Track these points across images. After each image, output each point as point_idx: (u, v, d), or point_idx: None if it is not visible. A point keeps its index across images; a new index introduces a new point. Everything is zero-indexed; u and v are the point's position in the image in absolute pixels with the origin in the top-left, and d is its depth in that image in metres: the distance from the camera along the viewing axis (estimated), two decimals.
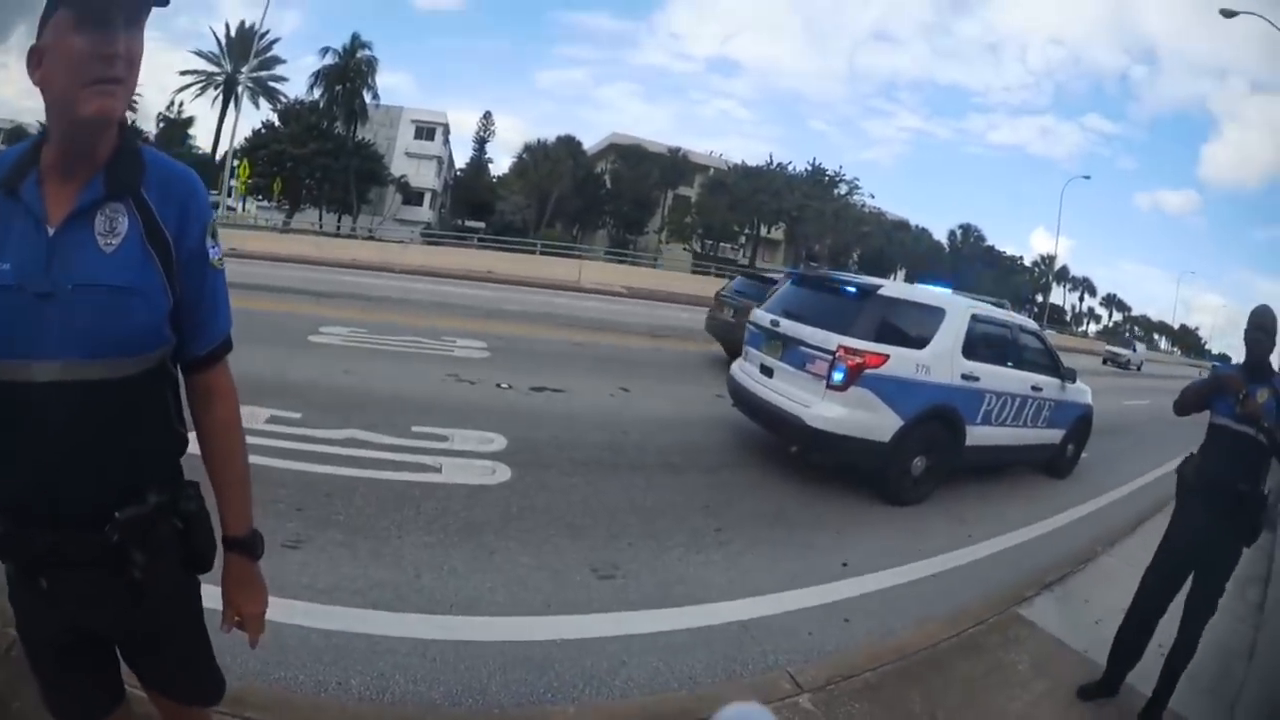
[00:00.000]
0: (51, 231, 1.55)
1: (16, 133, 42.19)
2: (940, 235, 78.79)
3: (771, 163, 66.12)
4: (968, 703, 4.17)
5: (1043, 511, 8.18)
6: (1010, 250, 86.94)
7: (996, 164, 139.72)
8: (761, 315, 8.69)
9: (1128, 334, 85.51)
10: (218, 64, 59.05)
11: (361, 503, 5.64)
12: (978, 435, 8.15)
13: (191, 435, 1.86)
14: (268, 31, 54.25)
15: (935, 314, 7.91)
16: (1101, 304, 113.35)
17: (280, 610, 3.98)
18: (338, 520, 5.31)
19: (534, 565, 5.03)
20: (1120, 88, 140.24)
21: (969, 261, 72.43)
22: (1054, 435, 9.60)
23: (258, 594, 1.97)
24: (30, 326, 1.52)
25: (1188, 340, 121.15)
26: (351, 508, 5.54)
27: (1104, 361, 46.99)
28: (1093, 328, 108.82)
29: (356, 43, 58.31)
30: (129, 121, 1.74)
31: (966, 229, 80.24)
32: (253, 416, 6.98)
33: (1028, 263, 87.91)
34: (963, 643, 4.71)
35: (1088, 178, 61.78)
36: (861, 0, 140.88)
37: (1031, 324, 9.79)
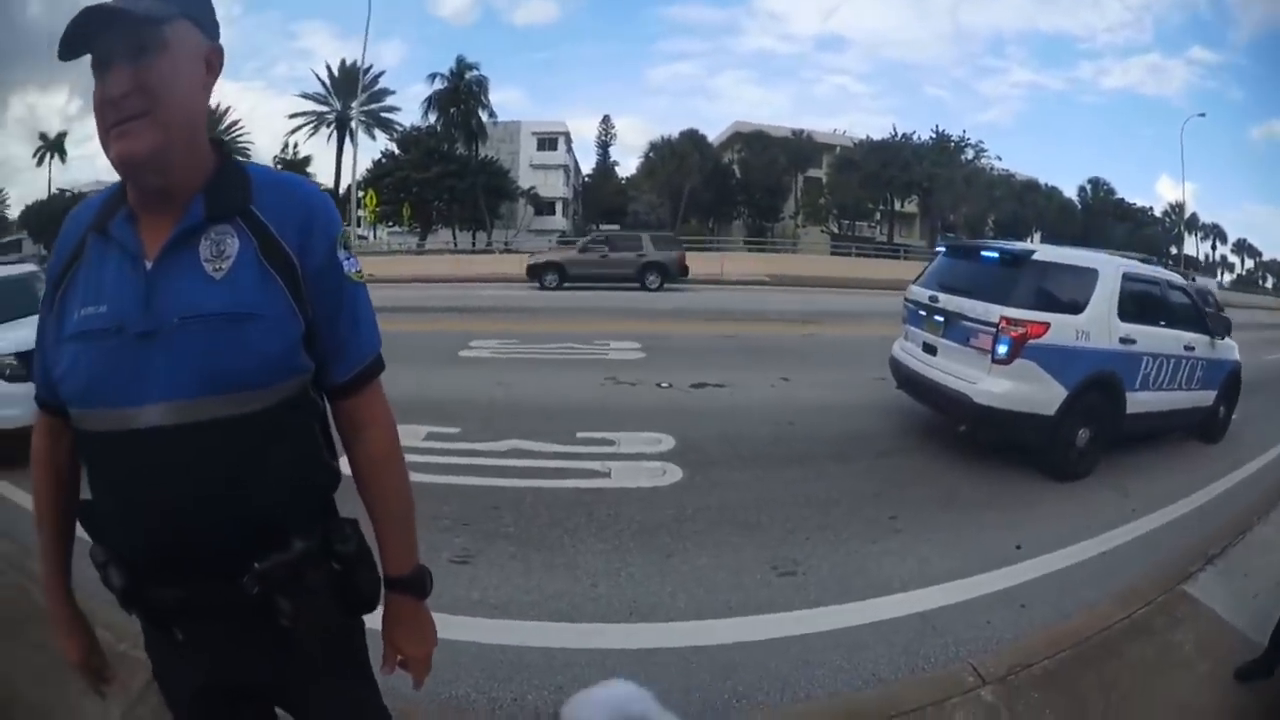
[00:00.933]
0: (149, 265, 1.44)
1: None
2: (1069, 191, 75.88)
3: (896, 134, 64.68)
4: (1140, 688, 3.94)
5: (1200, 479, 7.63)
6: (1139, 201, 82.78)
7: (1113, 110, 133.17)
8: (919, 292, 8.39)
9: (1260, 281, 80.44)
10: (326, 103, 61.36)
11: (530, 513, 5.64)
12: (1137, 401, 7.71)
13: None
14: (370, 66, 56.19)
15: (1089, 276, 7.51)
16: (1233, 251, 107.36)
17: (450, 626, 3.96)
18: (507, 532, 5.32)
19: (713, 565, 4.93)
20: (1215, 13, 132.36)
21: (1100, 217, 69.66)
22: (1207, 397, 8.99)
23: (425, 635, 1.78)
24: (134, 370, 1.41)
25: None
26: (521, 519, 5.54)
27: None
28: (1227, 277, 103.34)
29: (463, 65, 59.79)
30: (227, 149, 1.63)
31: (1096, 183, 76.62)
32: (410, 434, 7.10)
33: (1157, 213, 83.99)
34: (1134, 625, 4.44)
35: (1203, 115, 58.03)
36: None
37: (1179, 278, 9.24)
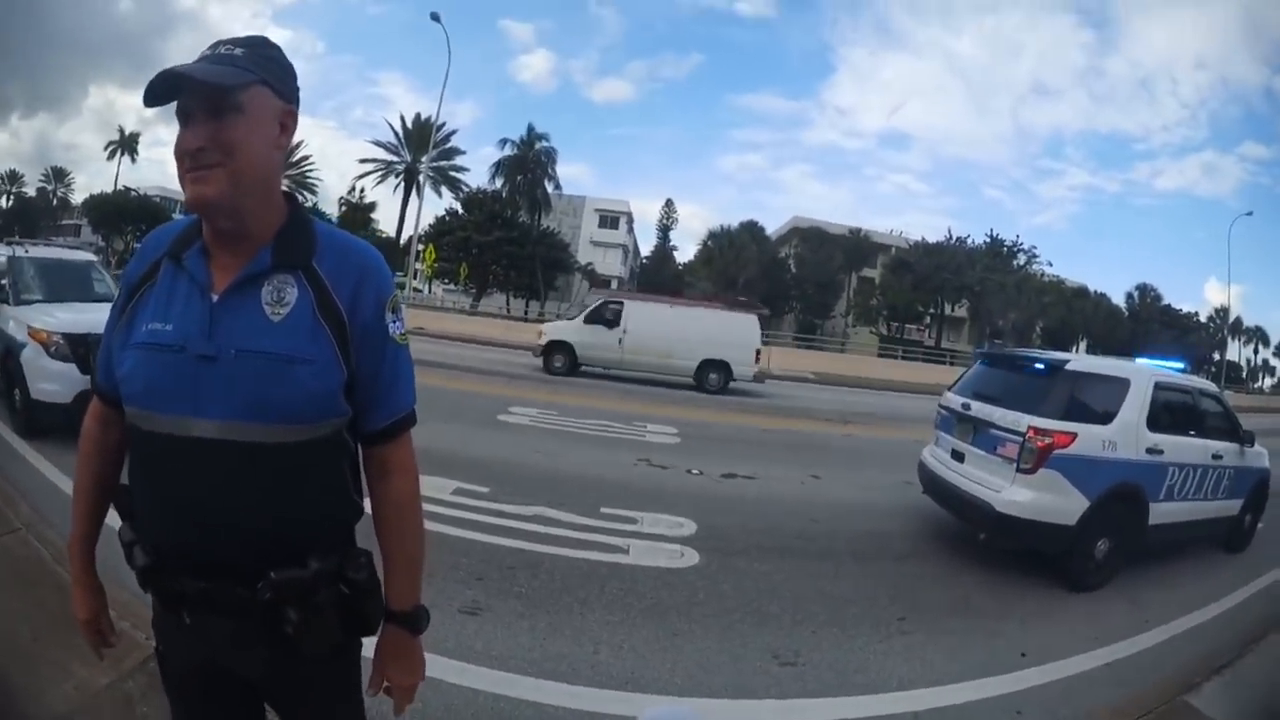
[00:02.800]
0: (215, 299, 1.63)
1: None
2: (1117, 297, 75.40)
3: (950, 237, 65.05)
4: None
5: (1218, 588, 7.55)
6: (1186, 306, 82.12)
7: (1165, 214, 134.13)
8: (953, 399, 8.45)
9: None
10: (397, 153, 62.95)
11: (545, 578, 5.74)
12: (1161, 512, 7.64)
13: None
14: (444, 123, 57.51)
15: (1120, 385, 7.56)
16: (1275, 354, 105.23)
17: (450, 670, 4.11)
18: (519, 592, 5.44)
19: (716, 649, 4.98)
20: (1269, 104, 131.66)
21: (1147, 324, 68.97)
22: (1233, 506, 8.88)
23: (414, 667, 1.93)
24: (191, 385, 1.60)
25: None
26: (535, 581, 5.65)
27: None
28: (1268, 381, 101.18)
29: (533, 134, 61.09)
30: (303, 200, 1.81)
31: (1144, 289, 76.29)
32: (440, 487, 7.31)
33: (1202, 318, 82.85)
34: None
35: (1250, 214, 57.45)
36: (1015, 52, 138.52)
37: (1212, 386, 9.21)
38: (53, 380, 7.46)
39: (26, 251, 9.93)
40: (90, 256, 11.62)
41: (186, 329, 1.62)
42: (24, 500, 5.64)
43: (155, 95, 1.57)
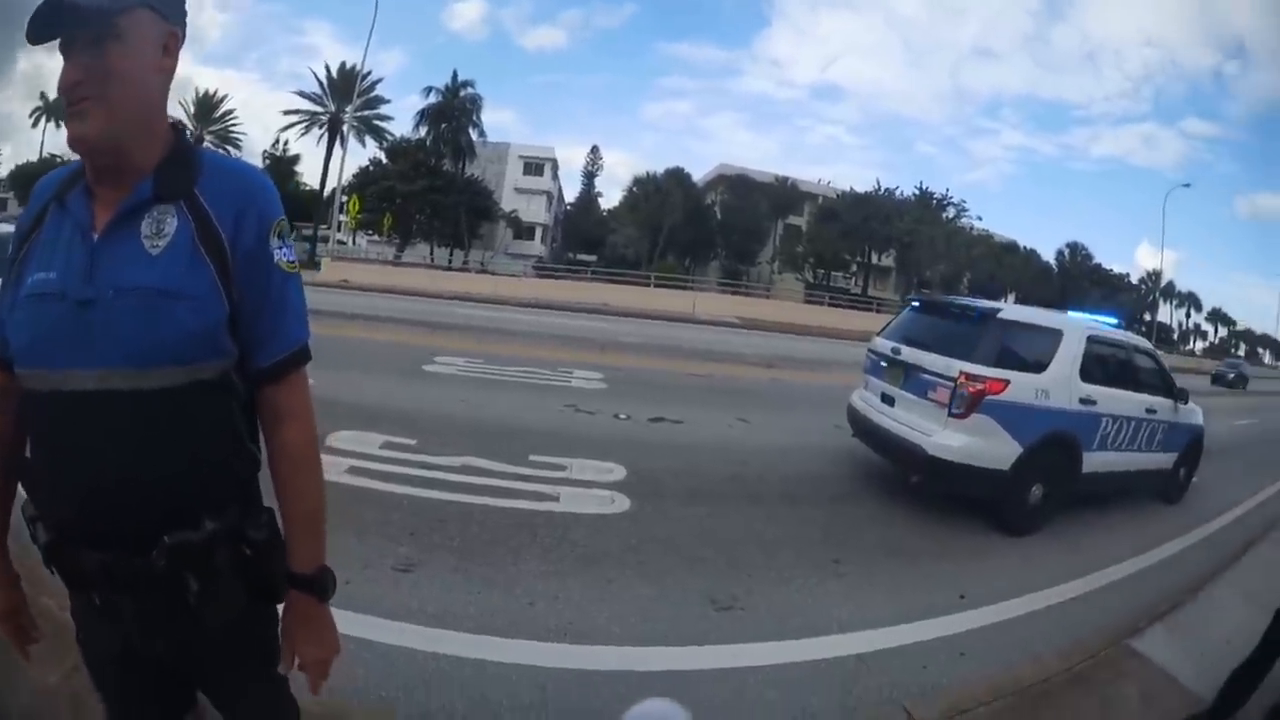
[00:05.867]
0: (96, 238, 1.51)
1: None
2: (1048, 255, 77.43)
3: (879, 188, 65.86)
4: None
5: (1154, 538, 7.77)
6: (1117, 267, 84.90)
7: (1100, 178, 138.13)
8: (882, 344, 8.49)
9: (1232, 350, 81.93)
10: (321, 104, 60.95)
11: (476, 529, 5.63)
12: (1094, 461, 7.83)
13: None
14: (369, 72, 56.38)
15: (1053, 336, 7.68)
16: (1207, 319, 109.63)
17: (388, 631, 3.99)
18: (451, 546, 5.31)
19: (652, 596, 4.92)
20: (1215, 86, 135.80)
21: (1077, 281, 70.72)
22: (1167, 459, 9.19)
23: (323, 639, 1.78)
24: (73, 335, 1.47)
25: None
26: (466, 534, 5.53)
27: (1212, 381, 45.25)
28: (1199, 345, 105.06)
29: (459, 81, 60.11)
30: (187, 132, 1.68)
31: (1074, 248, 78.82)
32: (367, 442, 7.12)
33: (1134, 279, 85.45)
34: (1075, 677, 4.52)
35: (1188, 185, 59.78)
36: (961, 15, 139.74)
37: (1145, 343, 9.43)
38: None
39: None
40: (11, 228, 11.20)
41: (68, 274, 1.50)
42: None
43: (39, 29, 1.43)
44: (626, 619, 4.56)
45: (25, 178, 63.95)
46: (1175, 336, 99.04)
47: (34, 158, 69.79)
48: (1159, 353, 9.64)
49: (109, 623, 1.64)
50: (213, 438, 1.60)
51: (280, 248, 1.65)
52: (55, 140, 72.22)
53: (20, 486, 1.72)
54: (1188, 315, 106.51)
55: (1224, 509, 9.60)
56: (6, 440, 1.69)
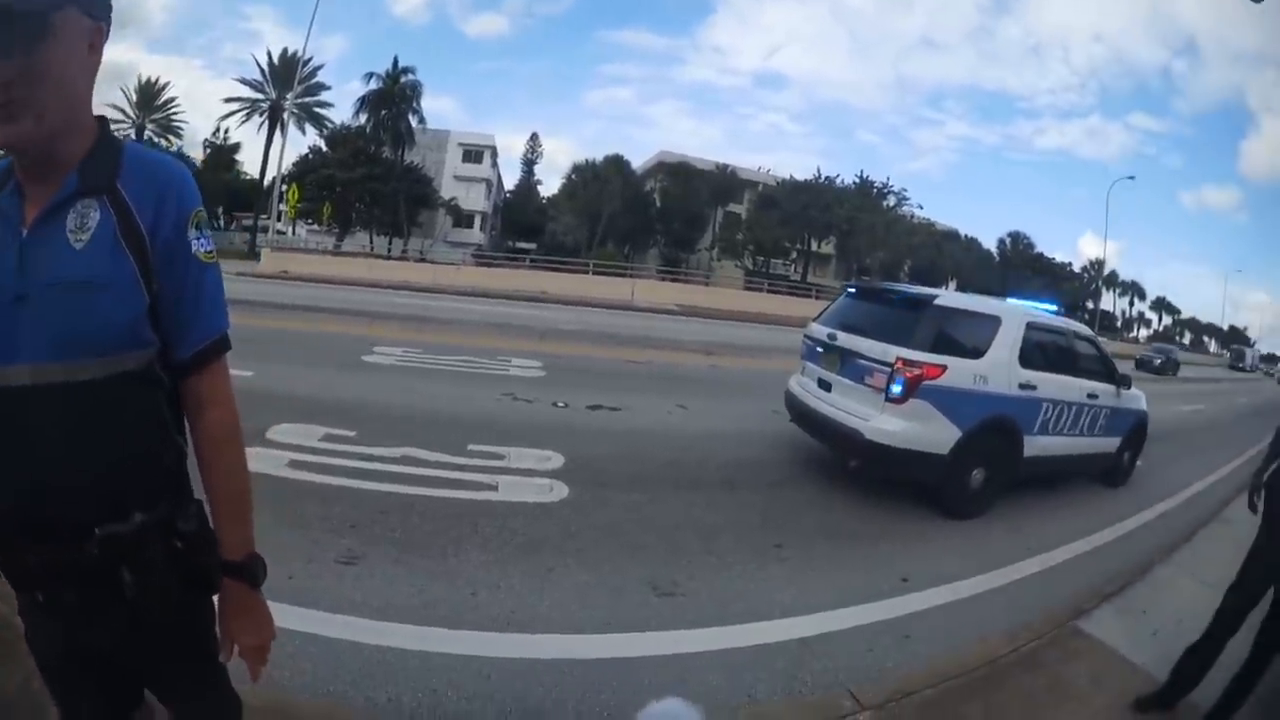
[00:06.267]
0: (24, 234, 1.52)
1: None
2: (990, 244, 78.43)
3: (820, 176, 66.14)
4: (1027, 718, 4.09)
5: (1100, 521, 7.96)
6: (1059, 257, 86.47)
7: (1044, 169, 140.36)
8: (818, 329, 8.55)
9: (1177, 338, 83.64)
10: (262, 91, 59.51)
11: (417, 520, 5.62)
12: (1035, 445, 7.97)
13: None
14: (311, 59, 55.16)
15: (991, 322, 7.78)
16: (1151, 308, 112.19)
17: (333, 625, 3.99)
18: (393, 537, 5.30)
19: (593, 583, 4.95)
20: (1163, 83, 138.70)
21: (1018, 270, 71.79)
22: (1110, 443, 9.39)
23: (259, 625, 1.82)
24: (6, 331, 1.48)
25: (1237, 340, 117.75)
26: (407, 525, 5.52)
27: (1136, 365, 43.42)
28: (1143, 332, 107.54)
29: (399, 68, 59.13)
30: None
31: (1015, 237, 79.99)
32: (307, 434, 7.08)
33: (1077, 268, 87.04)
34: (1022, 658, 4.59)
35: (1132, 178, 61.08)
36: (906, 6, 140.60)
37: (1086, 330, 9.58)
38: None
39: None
40: None
41: (1, 272, 1.50)
42: None
43: None
44: (568, 606, 4.59)
45: None
46: (1119, 324, 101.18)
47: None
48: (1101, 339, 9.84)
49: (52, 619, 1.66)
50: (140, 429, 1.63)
51: (198, 238, 1.67)
52: None
53: None
54: (1131, 304, 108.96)
55: (1171, 492, 9.87)
56: None
